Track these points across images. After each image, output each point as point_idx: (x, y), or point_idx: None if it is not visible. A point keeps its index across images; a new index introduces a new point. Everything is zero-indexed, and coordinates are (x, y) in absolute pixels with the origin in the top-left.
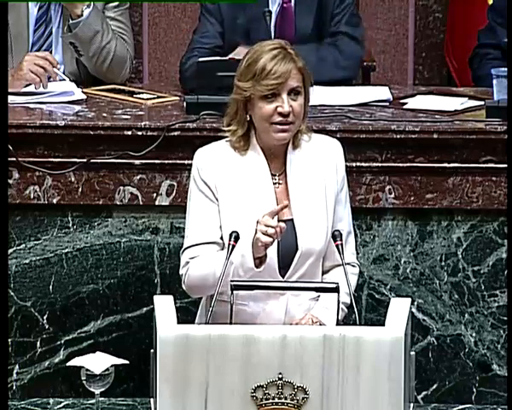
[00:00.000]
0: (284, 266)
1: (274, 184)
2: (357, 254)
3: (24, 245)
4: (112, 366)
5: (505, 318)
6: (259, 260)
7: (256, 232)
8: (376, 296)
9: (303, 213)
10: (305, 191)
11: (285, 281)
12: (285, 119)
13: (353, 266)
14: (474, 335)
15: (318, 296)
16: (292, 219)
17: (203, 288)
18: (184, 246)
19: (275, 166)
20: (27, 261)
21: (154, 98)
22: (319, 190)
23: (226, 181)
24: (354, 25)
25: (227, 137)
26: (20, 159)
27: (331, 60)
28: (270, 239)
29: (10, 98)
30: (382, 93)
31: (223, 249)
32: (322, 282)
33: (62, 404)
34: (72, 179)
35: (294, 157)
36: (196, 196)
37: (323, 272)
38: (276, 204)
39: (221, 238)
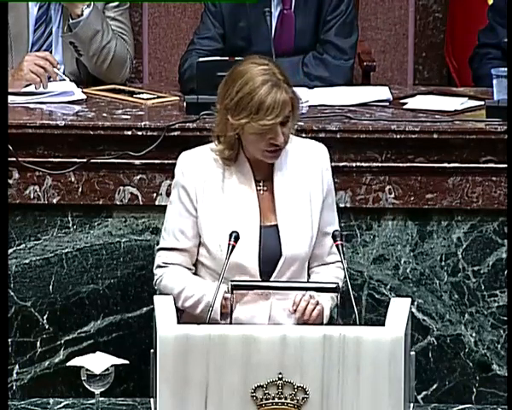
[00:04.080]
0: (266, 271)
1: (259, 190)
2: (357, 254)
3: (24, 245)
4: (112, 366)
5: (505, 318)
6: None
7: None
8: (376, 296)
9: (287, 218)
10: (290, 197)
11: (280, 281)
12: (278, 147)
13: (340, 261)
14: (474, 335)
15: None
16: (276, 225)
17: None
18: (160, 245)
19: (260, 173)
20: (27, 261)
21: (154, 98)
22: (304, 196)
23: (208, 187)
24: (344, 35)
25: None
26: (20, 159)
27: (317, 74)
28: None
29: (10, 98)
30: (382, 93)
31: (195, 259)
32: (322, 282)
33: (62, 404)
34: (72, 179)
35: (280, 162)
36: (175, 200)
37: (308, 273)
38: (259, 211)
39: (196, 245)
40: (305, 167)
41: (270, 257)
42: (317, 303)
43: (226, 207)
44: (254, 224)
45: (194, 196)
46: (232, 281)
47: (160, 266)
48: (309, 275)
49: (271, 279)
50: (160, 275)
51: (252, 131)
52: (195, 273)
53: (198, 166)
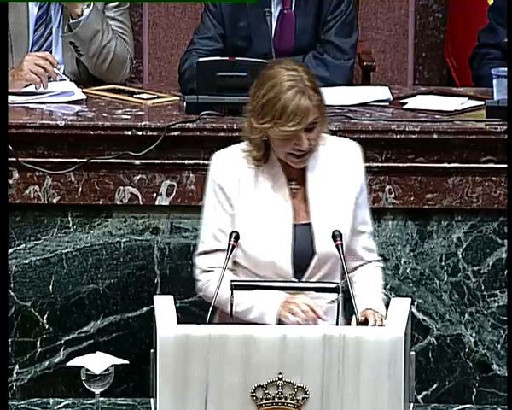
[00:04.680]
0: (299, 270)
1: (291, 189)
2: None
3: (24, 245)
4: (112, 366)
5: (505, 318)
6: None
7: (285, 307)
8: None
9: (321, 216)
10: (323, 195)
11: (290, 281)
12: (303, 152)
13: (378, 260)
14: (474, 335)
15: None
16: (309, 223)
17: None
18: (199, 250)
19: (292, 172)
20: (27, 261)
21: (154, 98)
22: (337, 194)
23: (242, 186)
24: (344, 35)
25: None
26: (20, 159)
27: (317, 74)
28: (297, 320)
29: (10, 98)
30: (382, 93)
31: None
32: (322, 282)
33: (62, 404)
34: (72, 179)
35: (312, 161)
36: (210, 201)
37: (350, 272)
38: (293, 210)
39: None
40: (338, 166)
41: (303, 255)
42: (382, 318)
43: (259, 206)
44: (287, 222)
45: (230, 195)
46: (232, 281)
47: (204, 271)
48: (350, 278)
49: (305, 278)
50: (207, 280)
51: (275, 136)
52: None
53: (231, 166)
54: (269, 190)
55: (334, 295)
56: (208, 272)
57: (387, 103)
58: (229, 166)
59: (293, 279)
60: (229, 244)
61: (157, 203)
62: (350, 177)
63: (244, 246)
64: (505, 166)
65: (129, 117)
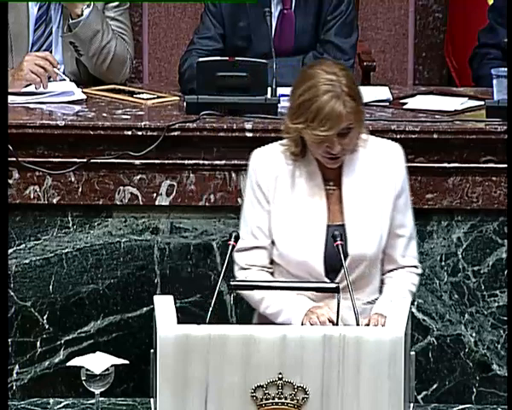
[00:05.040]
0: (332, 270)
1: (328, 190)
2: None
3: (24, 245)
4: (112, 366)
5: (505, 318)
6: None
7: (308, 316)
8: None
9: (355, 218)
10: (358, 197)
11: (303, 281)
12: (335, 155)
13: (416, 266)
14: (474, 335)
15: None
16: (343, 225)
17: (249, 301)
18: (238, 246)
19: (329, 172)
20: (27, 261)
21: (154, 98)
22: (374, 196)
23: (279, 185)
24: (344, 35)
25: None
26: (20, 159)
27: None
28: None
29: (10, 98)
30: (382, 93)
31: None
32: (322, 282)
33: (62, 404)
34: (72, 179)
35: (350, 163)
36: (249, 198)
37: (383, 275)
38: (327, 211)
39: (272, 242)
40: (377, 167)
41: (335, 257)
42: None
43: (294, 205)
44: (321, 223)
45: (267, 192)
46: (232, 281)
47: (242, 269)
48: (383, 280)
49: (337, 279)
50: (244, 277)
51: (308, 138)
52: (272, 273)
53: (270, 163)
54: (305, 189)
55: (371, 296)
56: (246, 269)
57: (387, 103)
58: (267, 164)
59: (326, 280)
60: (228, 244)
61: (157, 203)
62: (388, 179)
63: (278, 245)
64: (505, 166)
65: (129, 117)
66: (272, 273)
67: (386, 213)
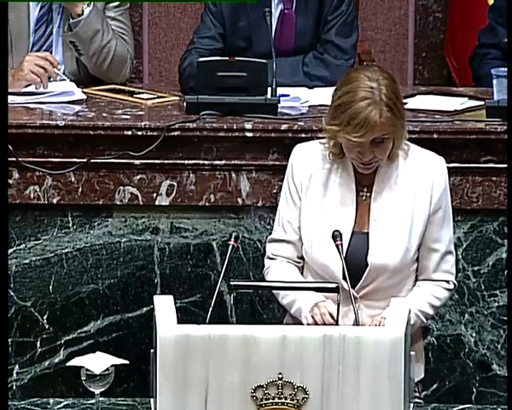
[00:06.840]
0: (353, 277)
1: (361, 196)
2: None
3: (24, 245)
4: (112, 366)
5: (505, 318)
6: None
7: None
8: None
9: (380, 228)
10: (387, 206)
11: (301, 282)
12: (366, 163)
13: (447, 281)
14: (474, 335)
15: (338, 298)
16: (367, 233)
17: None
18: (270, 236)
19: (364, 178)
20: (27, 261)
21: (154, 98)
22: (406, 208)
23: (313, 183)
24: (345, 35)
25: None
26: (20, 159)
27: (317, 74)
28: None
29: (10, 98)
30: None
31: (299, 253)
32: (322, 282)
33: (62, 404)
34: (72, 179)
35: (386, 171)
36: (285, 192)
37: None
38: (356, 216)
39: (300, 239)
40: (414, 179)
41: (357, 264)
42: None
43: (324, 207)
44: (347, 228)
45: (300, 189)
46: (232, 281)
47: (269, 258)
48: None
49: (357, 287)
50: (268, 267)
51: (341, 140)
52: (303, 267)
53: (307, 161)
54: (337, 192)
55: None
56: (271, 259)
57: None
58: (304, 161)
59: (344, 285)
60: (228, 244)
61: (157, 203)
62: (425, 192)
63: (305, 243)
64: (505, 166)
65: (129, 117)
66: (301, 268)
67: (417, 227)
